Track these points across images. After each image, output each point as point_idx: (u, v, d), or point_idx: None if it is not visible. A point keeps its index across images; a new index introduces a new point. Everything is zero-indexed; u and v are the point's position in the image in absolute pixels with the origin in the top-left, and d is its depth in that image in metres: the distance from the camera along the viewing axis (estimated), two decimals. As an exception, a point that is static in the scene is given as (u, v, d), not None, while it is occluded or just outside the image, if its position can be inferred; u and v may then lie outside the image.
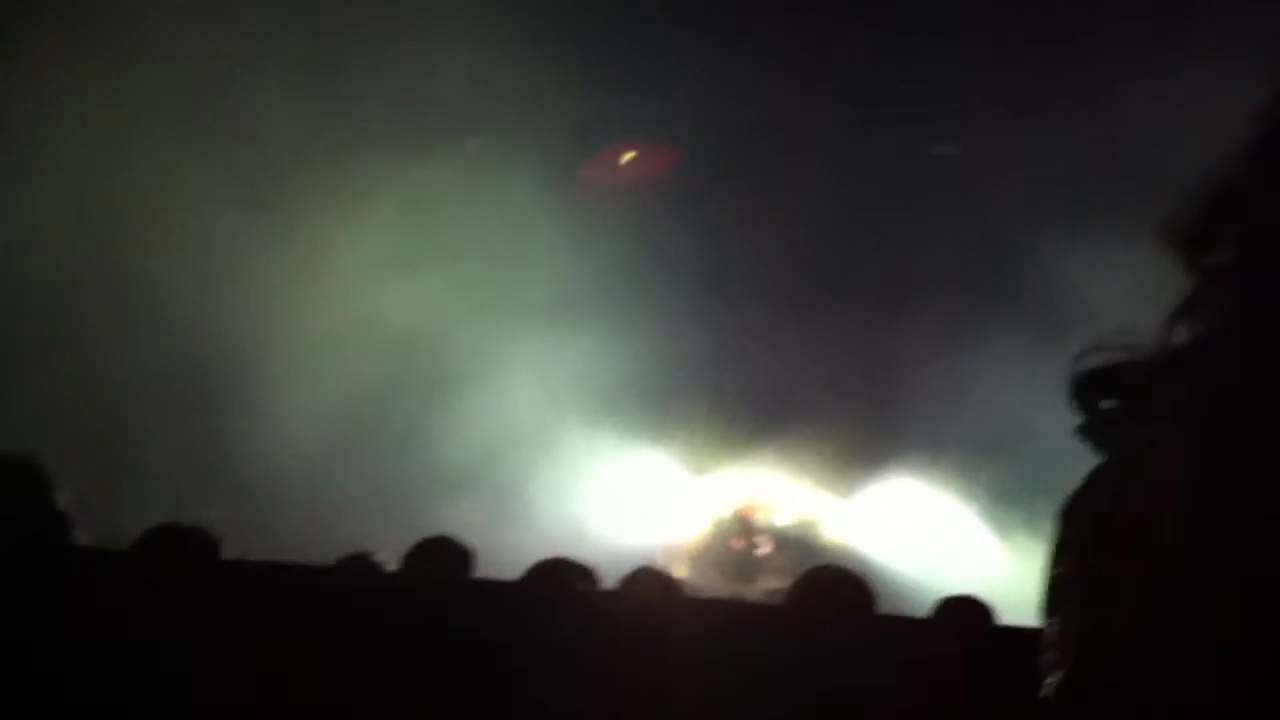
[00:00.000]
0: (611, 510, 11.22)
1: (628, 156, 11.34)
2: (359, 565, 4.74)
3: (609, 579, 4.78)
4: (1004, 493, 10.86)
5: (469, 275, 10.31)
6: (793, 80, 10.84)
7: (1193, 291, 0.99)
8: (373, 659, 3.78)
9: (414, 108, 10.04)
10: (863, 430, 11.33)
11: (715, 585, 10.90)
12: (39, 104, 8.97)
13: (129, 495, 8.02)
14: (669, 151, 11.38)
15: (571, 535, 9.65)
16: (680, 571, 9.94)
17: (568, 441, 10.91)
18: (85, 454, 7.35)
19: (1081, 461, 1.00)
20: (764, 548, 11.97)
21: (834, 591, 4.49)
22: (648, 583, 4.82)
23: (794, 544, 11.81)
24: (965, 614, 4.71)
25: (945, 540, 11.47)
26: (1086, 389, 1.01)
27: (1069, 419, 1.03)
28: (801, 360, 11.03)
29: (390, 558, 4.84)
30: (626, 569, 4.93)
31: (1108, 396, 1.01)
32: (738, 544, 11.94)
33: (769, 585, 10.70)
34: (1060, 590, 0.95)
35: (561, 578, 4.64)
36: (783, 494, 11.99)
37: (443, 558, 4.79)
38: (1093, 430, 1.01)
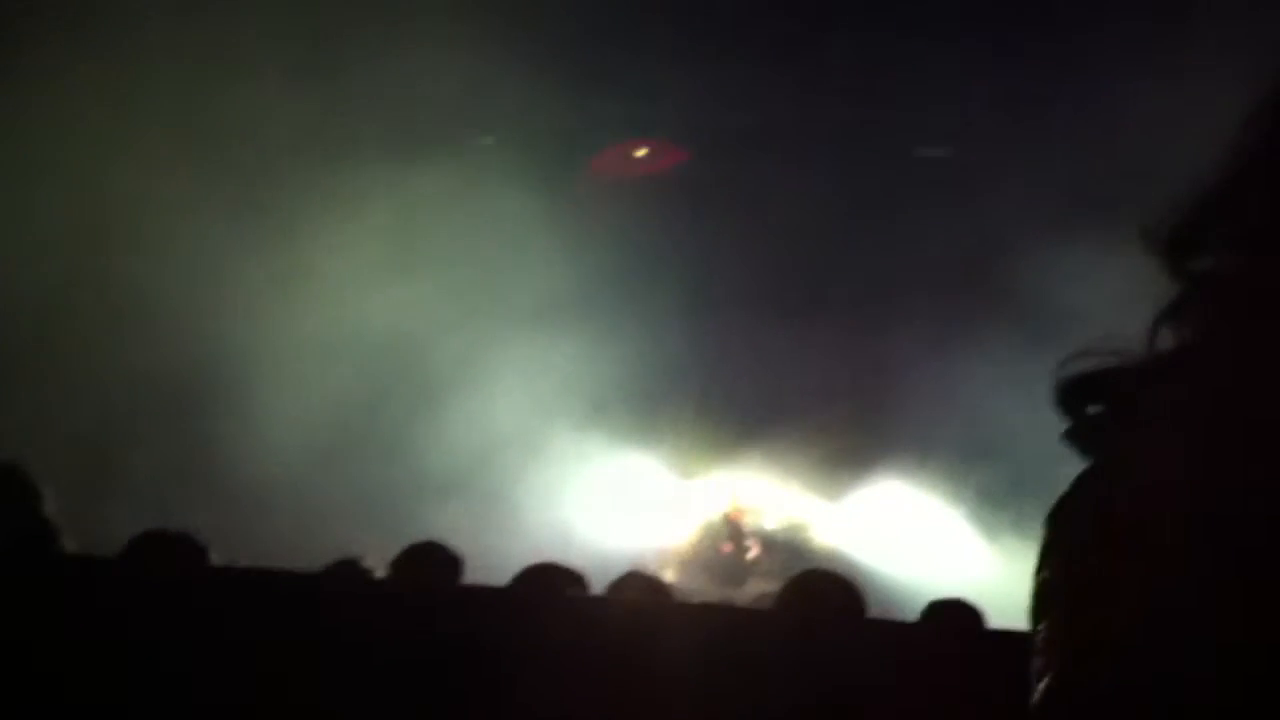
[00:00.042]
0: (599, 515, 11.22)
1: (640, 153, 11.35)
2: (347, 571, 4.73)
3: (597, 583, 4.78)
4: (992, 496, 10.88)
5: (456, 280, 10.30)
6: (780, 85, 10.85)
7: (1178, 297, 0.99)
8: (362, 665, 3.77)
9: (402, 114, 10.04)
10: (851, 434, 11.34)
11: (704, 589, 10.90)
12: (26, 108, 8.95)
13: (115, 501, 8.01)
14: (667, 150, 11.38)
15: (559, 540, 9.65)
16: (669, 575, 9.94)
17: (555, 446, 10.91)
18: (71, 460, 7.32)
19: (1069, 464, 1.00)
20: (753, 551, 11.98)
21: (824, 595, 4.50)
22: (637, 587, 4.82)
23: (783, 547, 11.82)
24: (955, 618, 4.72)
25: (933, 543, 11.49)
26: (1072, 395, 1.01)
27: (1056, 423, 1.02)
28: (789, 364, 11.04)
29: (378, 563, 4.83)
30: (615, 573, 4.93)
31: (1094, 402, 1.00)
32: (726, 548, 11.94)
33: (758, 589, 10.70)
34: (1047, 595, 0.95)
35: (550, 583, 4.64)
36: (771, 498, 12.00)
37: (431, 563, 4.78)
38: (1079, 436, 1.00)
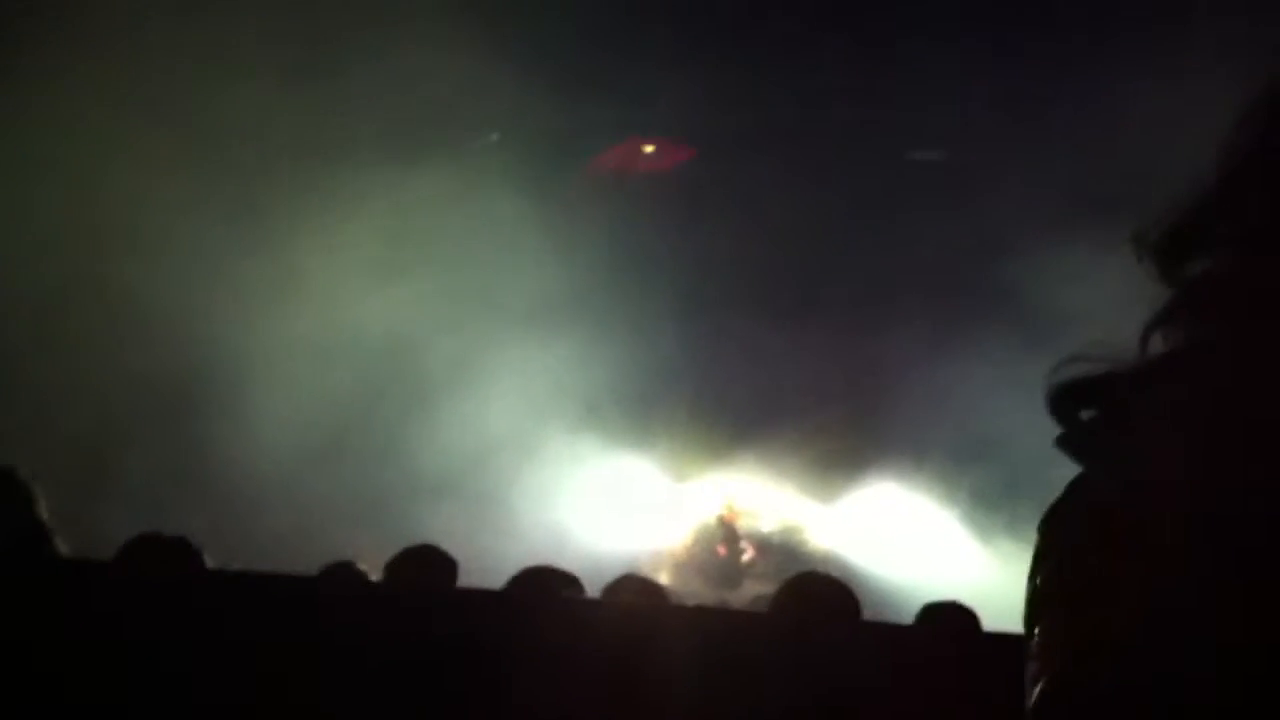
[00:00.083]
0: (594, 517, 11.21)
1: (636, 154, 11.34)
2: (343, 574, 4.72)
3: (592, 586, 4.77)
4: (986, 498, 10.89)
5: (451, 282, 10.30)
6: (774, 87, 10.85)
7: (1169, 302, 0.99)
8: (359, 669, 3.77)
9: (397, 116, 10.03)
10: (846, 436, 11.35)
11: (699, 591, 10.90)
12: (23, 109, 8.94)
13: (110, 502, 8.00)
14: (663, 150, 11.38)
15: (554, 542, 9.65)
16: (663, 578, 9.94)
17: (549, 448, 10.91)
18: (66, 461, 7.31)
19: (1063, 466, 1.00)
20: (747, 554, 11.98)
21: (819, 598, 4.49)
22: (632, 590, 4.81)
23: (777, 550, 11.82)
24: (950, 620, 4.71)
25: (928, 545, 11.49)
26: (1066, 400, 1.01)
27: (1051, 425, 1.03)
28: (784, 366, 11.04)
29: (372, 566, 4.82)
30: (609, 576, 4.92)
31: (1087, 407, 1.01)
32: (721, 550, 11.94)
33: (753, 591, 10.71)
34: (1041, 601, 0.95)
35: (546, 585, 4.63)
36: (766, 500, 12.00)
37: (426, 566, 4.77)
38: (1073, 441, 1.00)
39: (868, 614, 4.72)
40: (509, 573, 4.71)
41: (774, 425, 11.43)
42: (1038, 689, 0.92)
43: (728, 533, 11.97)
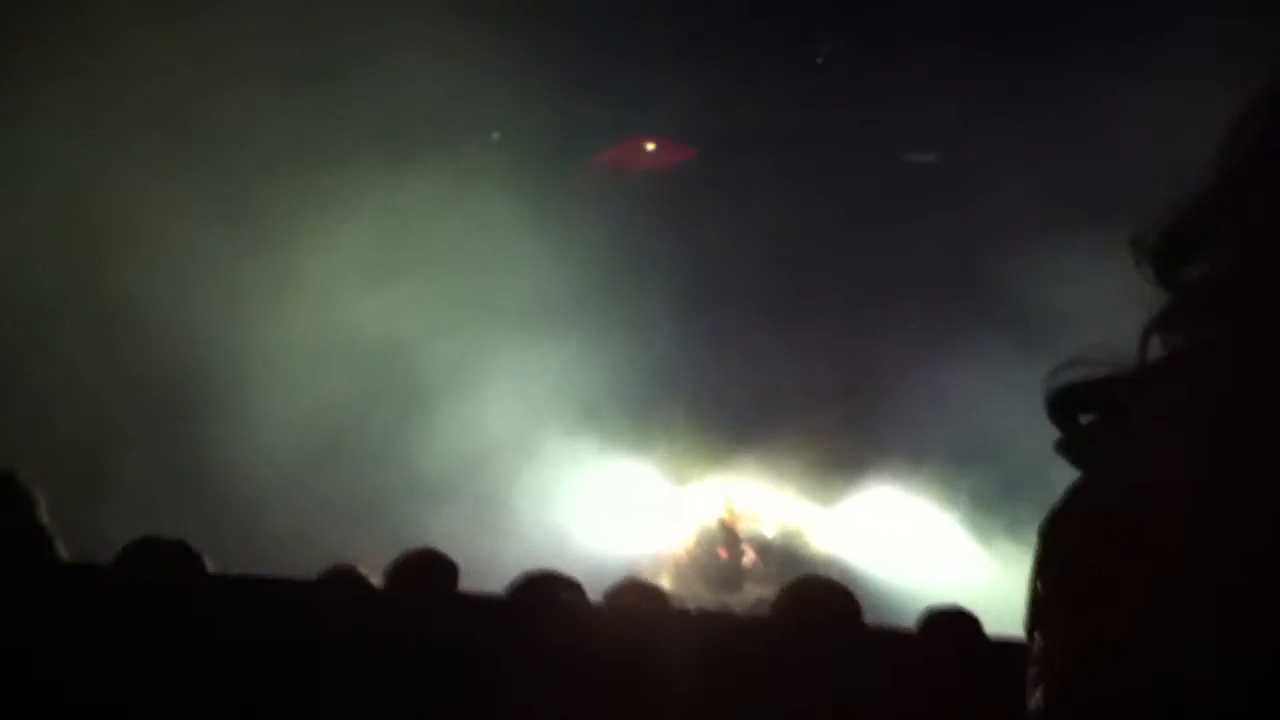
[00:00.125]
0: (593, 520, 11.21)
1: (634, 153, 11.34)
2: (344, 579, 4.71)
3: (592, 588, 4.76)
4: (986, 499, 10.89)
5: (449, 285, 10.30)
6: (772, 90, 10.86)
7: (1168, 306, 0.99)
8: (361, 673, 3.77)
9: (394, 119, 10.04)
10: (845, 438, 11.34)
11: (700, 595, 10.90)
12: (20, 113, 8.94)
13: (108, 504, 7.99)
14: (660, 151, 11.38)
15: (554, 544, 9.64)
16: (665, 581, 9.94)
17: (549, 450, 10.90)
18: (64, 463, 7.31)
19: (1062, 467, 1.00)
20: (748, 557, 11.97)
21: (820, 601, 4.49)
22: (635, 595, 4.80)
23: (778, 552, 11.82)
24: (953, 625, 4.70)
25: (928, 547, 11.49)
26: (1064, 405, 1.01)
27: (1049, 425, 1.03)
28: (782, 367, 11.03)
29: (372, 568, 4.81)
30: (610, 579, 4.91)
31: (1086, 412, 1.01)
32: (722, 554, 11.94)
33: (754, 595, 10.70)
34: (1041, 607, 0.95)
35: (548, 590, 4.62)
36: (765, 503, 11.99)
37: (428, 571, 4.76)
38: (1072, 446, 1.01)
39: (868, 617, 4.71)
40: (509, 575, 4.69)
41: (773, 427, 11.43)
42: (1038, 690, 0.92)
43: (729, 536, 11.96)
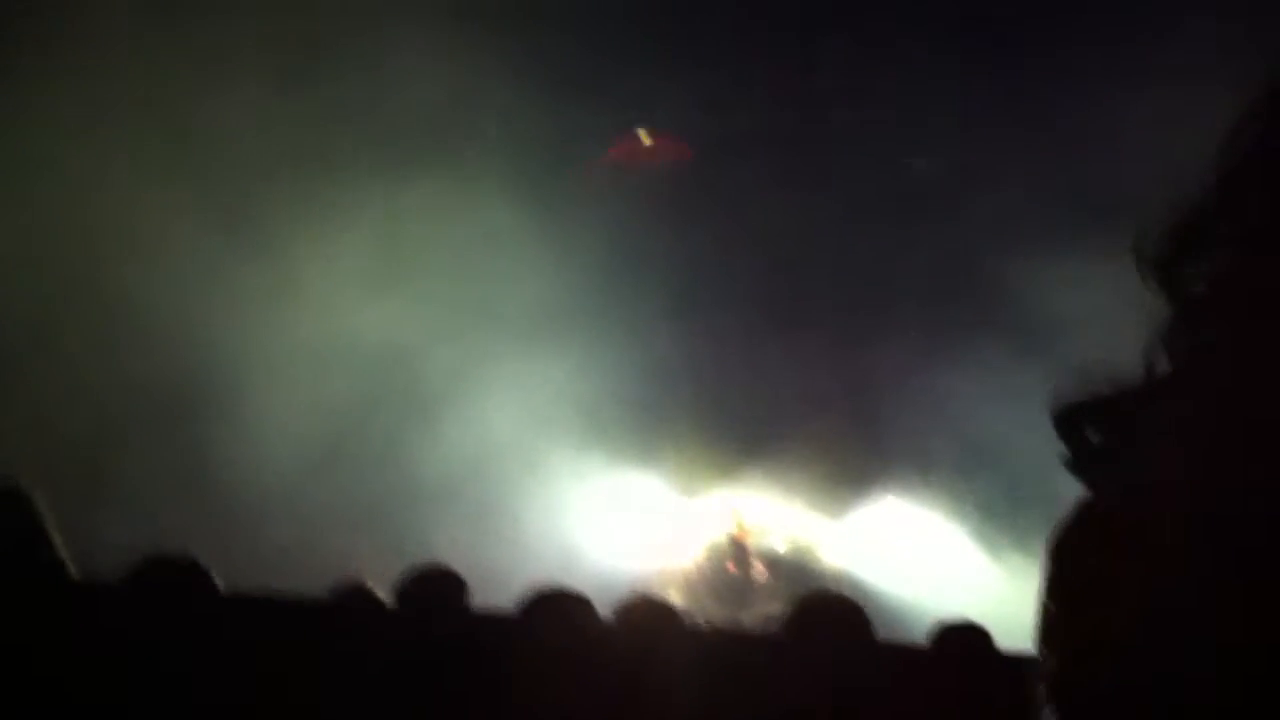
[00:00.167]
0: (601, 531, 11.18)
1: (633, 153, 11.34)
2: (355, 598, 4.69)
3: (600, 601, 4.75)
4: (993, 510, 10.86)
5: (449, 291, 10.31)
6: (773, 96, 10.86)
7: (1171, 318, 0.99)
8: (370, 690, 3.76)
9: (393, 125, 10.06)
10: (849, 448, 11.31)
11: (709, 610, 10.87)
12: (19, 116, 8.97)
13: (108, 509, 7.99)
14: (659, 150, 11.38)
15: (560, 556, 9.63)
16: (674, 596, 9.91)
17: (553, 460, 10.87)
18: (62, 468, 7.30)
19: (1067, 474, 1.00)
20: (758, 571, 11.94)
21: (832, 618, 4.47)
22: (645, 611, 4.79)
23: (787, 567, 11.79)
24: (964, 639, 4.69)
25: (937, 560, 11.46)
26: (1071, 421, 1.01)
27: (1053, 430, 1.02)
28: (786, 379, 11.01)
29: (377, 580, 4.79)
30: (619, 592, 4.90)
31: (1092, 427, 1.00)
32: (732, 568, 11.91)
33: (764, 610, 10.68)
34: (1052, 626, 0.95)
35: (558, 607, 4.61)
36: (774, 516, 11.97)
37: (436, 586, 4.75)
38: (1080, 462, 1.00)
39: (879, 631, 4.70)
40: (515, 586, 4.68)
41: (778, 437, 11.39)
42: (1040, 689, 0.92)
43: (738, 551, 11.94)
